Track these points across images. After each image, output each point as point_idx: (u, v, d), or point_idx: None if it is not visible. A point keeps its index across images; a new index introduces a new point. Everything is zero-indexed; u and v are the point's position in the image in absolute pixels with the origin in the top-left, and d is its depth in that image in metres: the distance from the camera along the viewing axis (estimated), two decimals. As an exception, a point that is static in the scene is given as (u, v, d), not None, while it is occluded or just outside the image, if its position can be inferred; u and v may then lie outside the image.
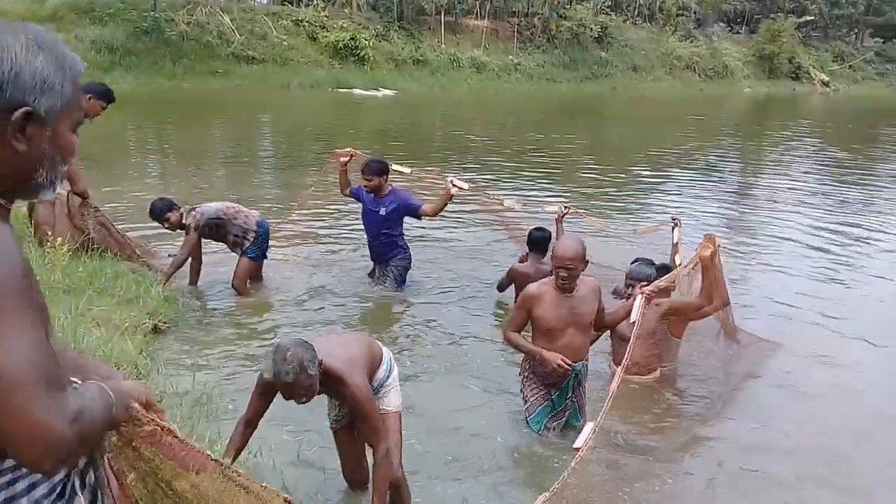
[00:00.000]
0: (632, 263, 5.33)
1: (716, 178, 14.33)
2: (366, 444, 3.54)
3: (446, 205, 6.54)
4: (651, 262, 5.27)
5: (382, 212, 6.62)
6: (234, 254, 6.55)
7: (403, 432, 3.66)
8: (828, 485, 4.24)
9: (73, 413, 1.20)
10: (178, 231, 6.37)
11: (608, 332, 5.16)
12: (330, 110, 23.27)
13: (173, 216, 6.22)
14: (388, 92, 27.81)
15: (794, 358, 5.77)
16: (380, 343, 3.74)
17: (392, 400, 3.63)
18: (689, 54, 42.28)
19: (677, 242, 6.10)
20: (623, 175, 13.98)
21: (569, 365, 4.17)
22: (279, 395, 3.17)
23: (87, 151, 7.06)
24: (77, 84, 1.37)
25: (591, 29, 37.52)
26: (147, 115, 18.43)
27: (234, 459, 3.24)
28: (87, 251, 6.02)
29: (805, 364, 5.69)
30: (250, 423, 3.33)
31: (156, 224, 6.48)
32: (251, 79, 25.85)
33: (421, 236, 8.25)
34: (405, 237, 6.89)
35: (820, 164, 17.12)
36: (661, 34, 42.65)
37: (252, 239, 6.43)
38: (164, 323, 5.60)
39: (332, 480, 3.81)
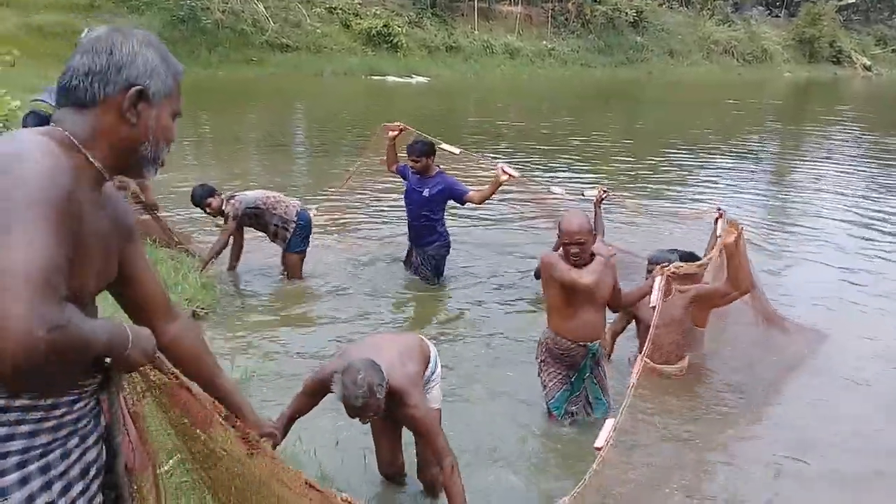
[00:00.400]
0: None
1: (756, 164, 14.06)
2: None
3: (494, 193, 6.37)
4: (674, 251, 5.10)
5: (426, 193, 6.45)
6: (273, 243, 6.52)
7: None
8: (885, 481, 4.09)
9: (55, 321, 1.23)
10: (219, 217, 6.40)
11: (634, 321, 5.07)
12: (363, 98, 23.25)
13: (214, 202, 6.24)
14: (421, 79, 27.72)
15: (841, 347, 5.60)
16: (426, 340, 3.69)
17: (436, 396, 3.59)
18: (727, 38, 41.54)
19: (720, 235, 5.91)
20: (660, 160, 13.73)
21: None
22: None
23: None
24: (178, 82, 1.63)
25: (627, 13, 36.95)
26: (185, 104, 18.49)
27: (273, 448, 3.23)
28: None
29: (853, 354, 5.52)
30: (292, 419, 3.32)
31: (195, 210, 6.54)
32: (285, 67, 25.91)
33: (461, 218, 8.18)
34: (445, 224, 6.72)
35: (863, 150, 16.70)
36: (698, 18, 41.90)
37: (293, 230, 6.36)
38: (202, 309, 5.62)
39: (371, 471, 3.77)
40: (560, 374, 4.33)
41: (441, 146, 6.67)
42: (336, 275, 6.77)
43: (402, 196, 6.81)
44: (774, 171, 13.97)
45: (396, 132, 6.76)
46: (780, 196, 11.52)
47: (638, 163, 13.34)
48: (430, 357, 3.55)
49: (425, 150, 6.42)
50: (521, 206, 8.75)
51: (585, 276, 4.00)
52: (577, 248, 3.98)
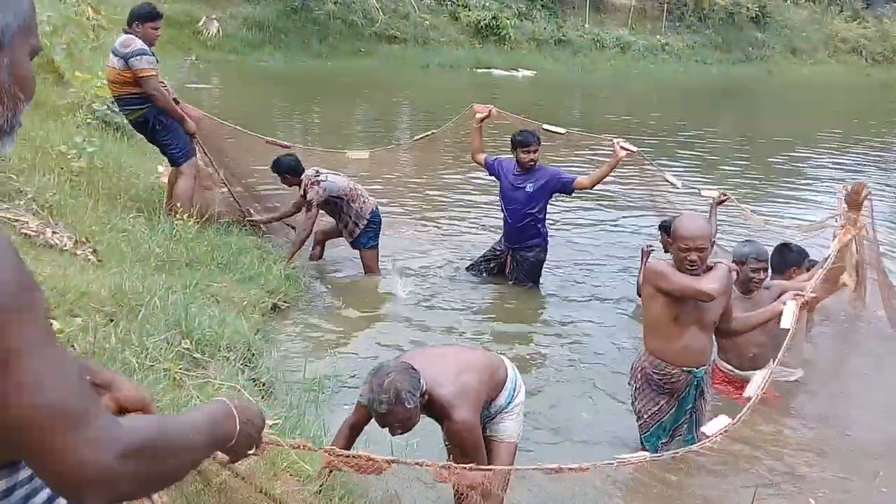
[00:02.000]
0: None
1: (884, 172, 12.97)
2: None
3: (609, 173, 5.78)
4: (752, 241, 4.59)
5: (529, 188, 5.93)
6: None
7: None
8: None
9: (127, 444, 0.98)
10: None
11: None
12: (468, 91, 22.98)
13: (293, 179, 6.08)
14: (527, 72, 27.23)
15: None
16: (508, 362, 3.34)
17: (509, 428, 3.24)
18: (856, 36, 38.99)
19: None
20: (777, 164, 12.89)
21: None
22: None
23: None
24: (33, 3, 1.08)
25: (748, 8, 35.23)
26: (296, 93, 18.80)
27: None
28: (213, 223, 6.00)
29: None
30: (355, 428, 3.09)
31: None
32: (392, 58, 25.96)
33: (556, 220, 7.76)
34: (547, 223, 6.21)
35: None
36: (826, 14, 39.57)
37: (363, 227, 6.13)
38: (285, 302, 5.51)
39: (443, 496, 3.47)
40: (657, 403, 3.79)
41: (545, 128, 6.16)
42: (423, 276, 6.49)
43: (498, 195, 6.28)
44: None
45: (485, 114, 6.25)
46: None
47: (753, 166, 12.55)
48: (505, 381, 3.20)
49: (539, 141, 5.89)
50: (626, 210, 8.27)
51: (706, 283, 3.44)
52: (696, 254, 3.44)
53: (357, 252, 6.36)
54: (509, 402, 3.20)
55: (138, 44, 5.49)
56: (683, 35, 34.50)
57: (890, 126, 19.95)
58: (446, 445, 3.24)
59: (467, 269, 6.48)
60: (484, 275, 6.38)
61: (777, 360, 3.38)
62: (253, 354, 4.28)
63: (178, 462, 1.08)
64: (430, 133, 7.31)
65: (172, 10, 23.16)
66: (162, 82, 5.69)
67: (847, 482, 3.89)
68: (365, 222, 6.13)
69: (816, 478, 3.93)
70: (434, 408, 2.86)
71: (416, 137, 7.40)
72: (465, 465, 2.44)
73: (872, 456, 4.10)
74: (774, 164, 12.87)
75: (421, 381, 2.77)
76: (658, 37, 33.65)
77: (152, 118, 5.71)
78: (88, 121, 7.33)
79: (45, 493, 1.09)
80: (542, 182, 5.92)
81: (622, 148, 5.62)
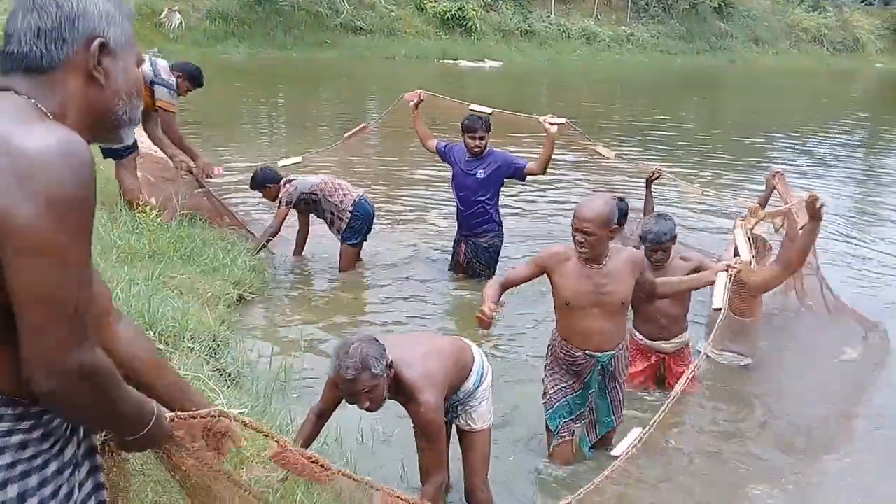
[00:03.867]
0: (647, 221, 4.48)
1: (840, 160, 13.21)
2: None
3: (552, 153, 5.64)
4: (667, 217, 4.44)
5: (480, 174, 5.81)
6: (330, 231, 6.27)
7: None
8: None
9: (95, 361, 1.23)
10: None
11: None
12: (435, 82, 22.92)
13: (272, 189, 6.07)
14: (494, 64, 27.28)
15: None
16: (474, 348, 3.34)
17: (483, 415, 3.25)
18: (817, 26, 39.60)
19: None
20: (737, 152, 13.08)
21: (488, 318, 3.31)
22: None
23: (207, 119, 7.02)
24: (132, 23, 1.41)
25: (711, -2, 35.63)
26: (259, 85, 18.65)
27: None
28: (176, 217, 5.95)
29: None
30: (322, 415, 3.09)
31: (252, 193, 6.42)
32: (358, 49, 25.85)
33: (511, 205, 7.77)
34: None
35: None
36: (787, 4, 40.05)
37: (347, 221, 6.03)
38: (250, 293, 5.48)
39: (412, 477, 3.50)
40: (564, 382, 3.70)
41: (472, 108, 6.01)
42: (390, 269, 6.44)
43: (451, 182, 6.15)
44: (859, 168, 13.10)
45: (416, 99, 6.17)
46: (864, 195, 10.78)
47: (714, 153, 12.73)
48: (472, 366, 3.21)
49: (490, 125, 5.78)
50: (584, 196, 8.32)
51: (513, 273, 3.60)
52: (582, 236, 3.36)
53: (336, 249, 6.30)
54: (477, 387, 3.21)
55: (172, 80, 5.85)
56: (648, 26, 34.78)
57: (849, 114, 20.30)
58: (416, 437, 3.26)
59: (450, 265, 6.37)
60: (452, 271, 6.31)
61: (650, 428, 3.35)
62: (218, 345, 4.26)
63: (112, 404, 1.32)
64: (360, 127, 7.25)
65: (132, 3, 22.89)
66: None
67: (775, 462, 3.97)
68: (348, 215, 6.01)
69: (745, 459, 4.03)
70: (400, 389, 2.87)
71: (346, 134, 7.28)
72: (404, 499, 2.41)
73: (805, 436, 4.21)
74: (735, 151, 13.04)
75: (386, 351, 2.78)
76: (623, 27, 33.88)
77: None
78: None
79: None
80: (494, 168, 5.82)
81: (551, 124, 5.55)
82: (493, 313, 3.34)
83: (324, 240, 6.43)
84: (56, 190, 1.13)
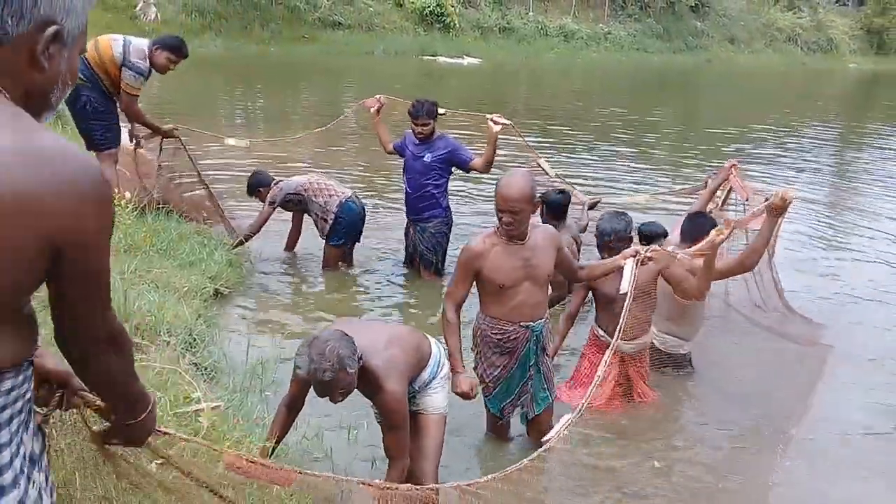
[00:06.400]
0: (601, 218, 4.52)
1: (812, 160, 13.38)
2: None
3: (495, 151, 5.71)
4: (623, 214, 4.47)
5: (427, 158, 5.84)
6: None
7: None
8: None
9: (121, 329, 1.46)
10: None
11: (592, 294, 4.46)
12: (414, 78, 22.96)
13: (264, 192, 6.08)
14: (472, 60, 27.31)
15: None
16: (431, 339, 3.38)
17: (436, 401, 3.29)
18: (792, 26, 40.09)
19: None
20: (709, 152, 13.19)
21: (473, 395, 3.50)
22: None
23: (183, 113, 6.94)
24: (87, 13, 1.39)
25: (688, -3, 35.88)
26: (236, 79, 18.54)
27: (276, 444, 3.03)
28: (151, 211, 5.91)
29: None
30: (292, 408, 3.09)
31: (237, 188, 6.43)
32: (336, 45, 25.74)
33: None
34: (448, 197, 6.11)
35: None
36: (762, 4, 40.47)
37: (332, 222, 5.99)
38: (227, 288, 5.46)
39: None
40: (499, 365, 3.71)
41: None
42: (369, 267, 6.43)
43: (402, 170, 6.18)
44: (832, 167, 13.31)
45: (376, 105, 6.27)
46: (836, 193, 10.98)
47: (683, 151, 12.85)
48: (429, 356, 3.25)
49: (434, 111, 5.81)
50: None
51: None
52: (510, 216, 3.41)
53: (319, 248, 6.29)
54: (433, 377, 3.25)
55: (143, 63, 5.65)
56: (626, 24, 34.99)
57: (823, 112, 20.59)
58: (377, 418, 3.28)
59: (405, 233, 6.35)
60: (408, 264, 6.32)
61: (619, 328, 3.39)
62: (195, 339, 4.25)
63: (127, 371, 1.52)
64: (322, 128, 7.60)
65: (108, -7, 22.63)
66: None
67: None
68: (332, 217, 5.97)
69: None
70: (365, 378, 2.88)
71: (308, 132, 7.77)
72: (389, 485, 2.44)
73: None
74: (708, 151, 13.16)
75: (356, 346, 2.80)
76: (601, 25, 34.05)
77: (86, 98, 5.61)
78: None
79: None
80: (441, 153, 5.86)
81: (495, 122, 5.59)
82: (473, 391, 3.51)
83: (311, 238, 6.41)
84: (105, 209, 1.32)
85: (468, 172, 6.19)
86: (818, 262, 7.26)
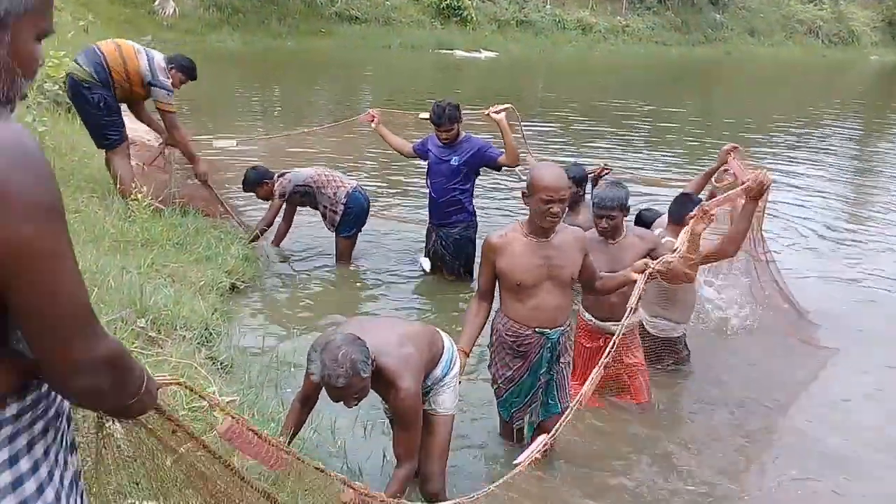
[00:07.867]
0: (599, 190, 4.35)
1: (832, 153, 13.24)
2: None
3: (512, 140, 5.54)
4: (621, 184, 4.30)
5: (454, 161, 5.66)
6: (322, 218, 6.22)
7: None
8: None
9: (112, 349, 1.25)
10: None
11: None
12: (431, 72, 22.92)
13: (262, 189, 6.07)
14: (489, 53, 27.19)
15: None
16: (444, 335, 3.34)
17: (445, 400, 3.25)
18: (812, 18, 39.62)
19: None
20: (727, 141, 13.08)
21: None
22: None
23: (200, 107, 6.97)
24: None
25: (707, -11, 35.56)
26: (255, 74, 18.55)
27: (291, 439, 3.03)
28: (171, 207, 5.94)
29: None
30: (306, 402, 3.09)
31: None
32: (353, 38, 25.69)
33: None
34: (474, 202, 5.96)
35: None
36: (783, -4, 40.06)
37: (342, 213, 5.98)
38: (243, 282, 5.48)
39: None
40: (512, 368, 3.62)
41: (421, 117, 6.02)
42: (384, 262, 6.40)
43: (426, 175, 6.03)
44: (851, 161, 13.14)
45: (370, 119, 6.31)
46: (855, 189, 10.82)
47: (704, 142, 12.76)
48: (441, 353, 3.22)
49: (456, 115, 5.62)
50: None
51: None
52: (558, 206, 3.30)
53: (330, 241, 6.28)
54: (445, 374, 3.22)
55: (167, 81, 5.83)
56: (644, 17, 34.69)
57: (843, 106, 20.34)
58: (387, 415, 3.26)
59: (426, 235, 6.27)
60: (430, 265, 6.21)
61: (618, 334, 3.34)
62: (210, 333, 4.26)
63: (128, 381, 1.35)
64: (315, 129, 7.78)
65: (126, -13, 22.74)
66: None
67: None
68: (342, 207, 5.95)
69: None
70: (379, 378, 2.86)
71: (303, 130, 7.81)
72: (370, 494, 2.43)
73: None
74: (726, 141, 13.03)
75: (369, 349, 2.78)
76: (619, 18, 33.80)
77: (100, 96, 5.63)
78: (39, 101, 7.18)
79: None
80: (468, 155, 5.68)
81: (496, 112, 5.48)
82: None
83: (318, 229, 6.40)
84: (32, 200, 1.08)
85: (499, 170, 6.06)
86: (835, 253, 7.21)
